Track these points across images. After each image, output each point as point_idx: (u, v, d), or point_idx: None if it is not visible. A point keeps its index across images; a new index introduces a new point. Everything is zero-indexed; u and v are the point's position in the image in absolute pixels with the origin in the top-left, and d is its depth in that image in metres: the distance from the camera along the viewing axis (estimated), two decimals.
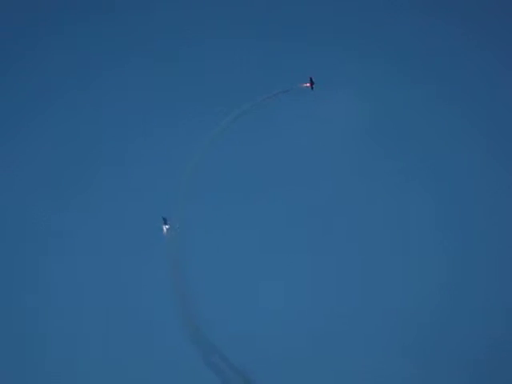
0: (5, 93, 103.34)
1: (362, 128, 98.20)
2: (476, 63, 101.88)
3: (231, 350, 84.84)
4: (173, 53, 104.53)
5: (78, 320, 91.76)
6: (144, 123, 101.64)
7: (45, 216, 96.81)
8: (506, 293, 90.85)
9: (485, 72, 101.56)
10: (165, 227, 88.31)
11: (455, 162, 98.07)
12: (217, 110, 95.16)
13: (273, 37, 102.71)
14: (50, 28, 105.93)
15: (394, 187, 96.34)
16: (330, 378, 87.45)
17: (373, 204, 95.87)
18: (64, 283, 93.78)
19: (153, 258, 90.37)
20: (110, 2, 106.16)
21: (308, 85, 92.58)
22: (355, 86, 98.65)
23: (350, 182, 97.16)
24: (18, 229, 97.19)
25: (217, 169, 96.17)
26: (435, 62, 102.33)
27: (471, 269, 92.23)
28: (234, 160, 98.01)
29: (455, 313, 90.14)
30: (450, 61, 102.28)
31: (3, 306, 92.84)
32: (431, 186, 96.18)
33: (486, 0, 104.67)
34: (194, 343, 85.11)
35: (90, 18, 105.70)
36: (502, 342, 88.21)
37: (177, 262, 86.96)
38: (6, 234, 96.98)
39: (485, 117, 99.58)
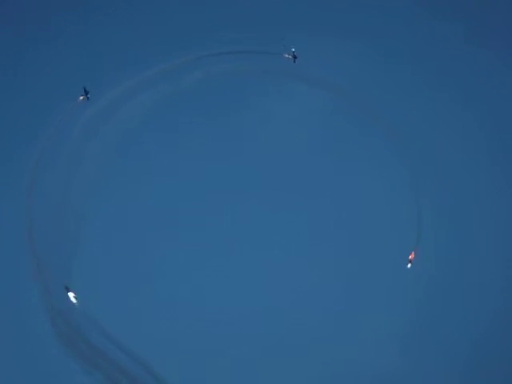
0: None
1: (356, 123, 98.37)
2: (471, 59, 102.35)
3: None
4: None
5: None
6: None
7: None
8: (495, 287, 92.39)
9: (482, 69, 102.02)
10: None
11: (453, 161, 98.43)
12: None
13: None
14: None
15: (391, 189, 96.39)
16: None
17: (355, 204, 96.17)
18: None
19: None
20: None
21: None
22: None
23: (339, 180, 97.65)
24: None
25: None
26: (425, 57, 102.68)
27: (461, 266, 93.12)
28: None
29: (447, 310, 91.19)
30: (445, 57, 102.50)
31: None
32: (430, 188, 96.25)
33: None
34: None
35: None
36: (488, 337, 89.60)
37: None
38: None
39: (484, 115, 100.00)
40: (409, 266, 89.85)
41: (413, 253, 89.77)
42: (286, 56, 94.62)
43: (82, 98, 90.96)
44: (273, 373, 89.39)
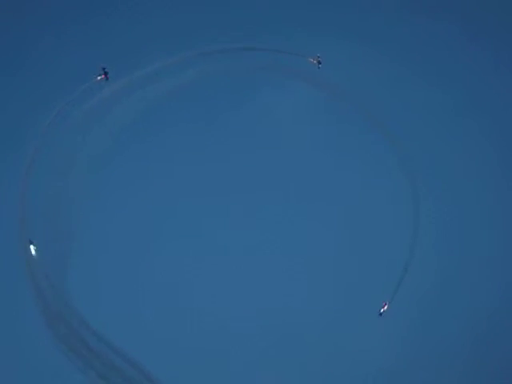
0: None
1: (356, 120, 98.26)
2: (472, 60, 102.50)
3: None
4: None
5: None
6: None
7: None
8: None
9: (485, 71, 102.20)
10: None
11: (453, 161, 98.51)
12: None
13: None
14: None
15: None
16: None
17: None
18: None
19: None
20: None
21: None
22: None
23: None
24: None
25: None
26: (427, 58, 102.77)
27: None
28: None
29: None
30: (448, 59, 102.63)
31: None
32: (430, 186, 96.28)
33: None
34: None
35: None
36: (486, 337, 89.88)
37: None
38: None
39: (485, 114, 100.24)
40: (381, 313, 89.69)
41: (386, 304, 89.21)
42: (311, 61, 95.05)
43: (99, 78, 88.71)
44: (272, 373, 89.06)
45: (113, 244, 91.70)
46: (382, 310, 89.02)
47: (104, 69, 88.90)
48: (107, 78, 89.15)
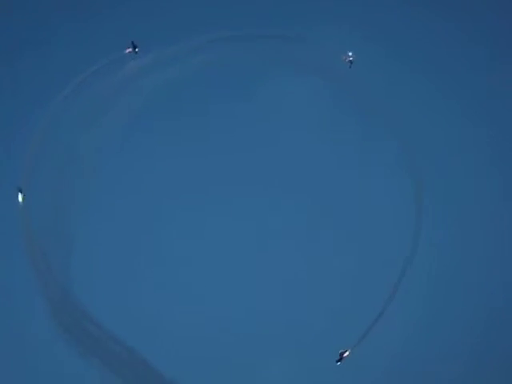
0: None
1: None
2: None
3: None
4: None
5: None
6: None
7: None
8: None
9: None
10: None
11: (457, 161, 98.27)
12: None
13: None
14: None
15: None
16: None
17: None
18: None
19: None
20: None
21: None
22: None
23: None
24: None
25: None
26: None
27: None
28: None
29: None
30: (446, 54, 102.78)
31: None
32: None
33: None
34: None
35: None
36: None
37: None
38: None
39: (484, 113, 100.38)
40: (338, 363, 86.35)
41: (347, 352, 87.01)
42: (344, 59, 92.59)
43: (128, 50, 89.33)
44: (272, 373, 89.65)
45: (112, 241, 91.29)
46: (340, 358, 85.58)
47: (133, 42, 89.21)
48: (136, 52, 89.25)
